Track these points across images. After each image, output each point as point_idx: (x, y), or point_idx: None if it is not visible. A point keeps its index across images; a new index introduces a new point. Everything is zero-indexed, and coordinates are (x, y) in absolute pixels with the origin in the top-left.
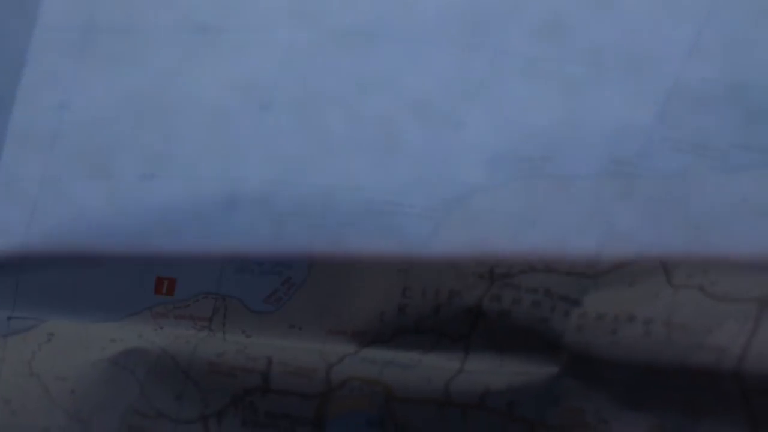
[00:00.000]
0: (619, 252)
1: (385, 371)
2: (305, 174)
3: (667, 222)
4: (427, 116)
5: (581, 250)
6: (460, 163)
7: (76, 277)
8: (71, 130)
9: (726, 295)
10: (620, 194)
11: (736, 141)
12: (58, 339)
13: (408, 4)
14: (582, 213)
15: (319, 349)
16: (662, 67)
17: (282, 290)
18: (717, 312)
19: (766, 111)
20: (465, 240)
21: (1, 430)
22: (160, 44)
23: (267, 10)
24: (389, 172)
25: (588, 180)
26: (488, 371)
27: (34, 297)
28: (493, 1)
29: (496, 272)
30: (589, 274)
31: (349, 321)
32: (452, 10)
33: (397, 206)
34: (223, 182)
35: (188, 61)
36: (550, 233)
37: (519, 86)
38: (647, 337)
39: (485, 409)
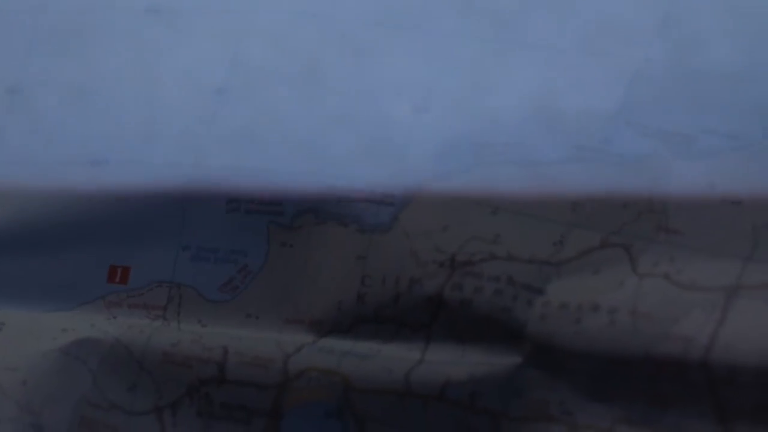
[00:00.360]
0: (583, 239)
1: (343, 361)
2: (261, 159)
3: (632, 209)
4: (386, 100)
5: (544, 238)
6: (420, 149)
7: (26, 266)
8: (20, 114)
9: (692, 283)
10: (584, 180)
11: (703, 126)
12: (8, 329)
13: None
14: (545, 199)
15: (276, 339)
16: (627, 51)
17: (238, 278)
18: (683, 301)
19: (734, 95)
20: (425, 227)
21: None
22: (113, 29)
23: None
24: (348, 156)
25: (551, 166)
26: (449, 362)
27: None
28: None
29: (457, 260)
30: (553, 262)
31: (306, 310)
32: None
33: (356, 192)
34: (178, 169)
35: (140, 44)
36: (512, 220)
37: (480, 71)
38: (612, 327)
39: (446, 401)
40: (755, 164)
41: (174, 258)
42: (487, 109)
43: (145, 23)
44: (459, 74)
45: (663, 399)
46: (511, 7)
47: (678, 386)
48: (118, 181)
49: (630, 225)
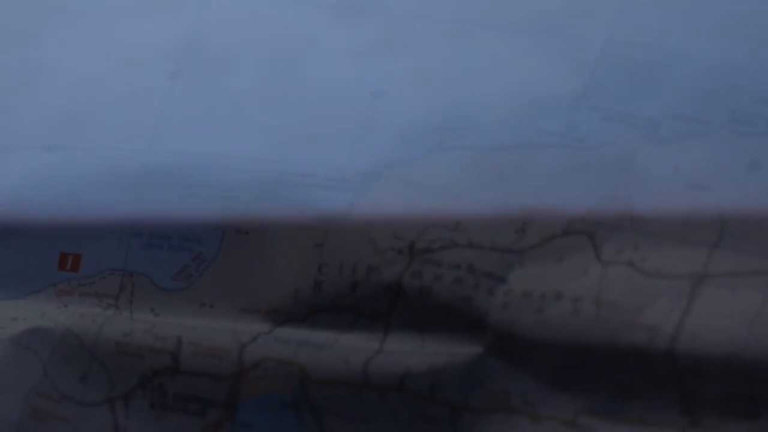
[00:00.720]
0: (546, 226)
1: (300, 351)
2: (216, 145)
3: (596, 194)
4: (345, 83)
5: (506, 225)
6: (379, 134)
7: None
8: None
9: (657, 271)
10: (546, 166)
11: (667, 110)
12: None
13: None
14: (506, 185)
15: (231, 329)
16: (590, 33)
17: (192, 266)
18: (648, 289)
19: (698, 79)
20: (383, 213)
21: None
22: (63, 10)
23: None
24: (304, 143)
25: (512, 151)
26: (409, 352)
27: None
28: None
29: (416, 247)
30: (515, 249)
31: (262, 299)
32: None
33: (312, 178)
34: (130, 153)
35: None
36: (473, 206)
37: (440, 54)
38: (575, 316)
39: (405, 392)
40: (721, 149)
41: (126, 245)
42: (447, 93)
43: (97, 6)
44: (418, 58)
45: (627, 389)
46: None
47: (643, 376)
48: (70, 167)
49: (593, 211)
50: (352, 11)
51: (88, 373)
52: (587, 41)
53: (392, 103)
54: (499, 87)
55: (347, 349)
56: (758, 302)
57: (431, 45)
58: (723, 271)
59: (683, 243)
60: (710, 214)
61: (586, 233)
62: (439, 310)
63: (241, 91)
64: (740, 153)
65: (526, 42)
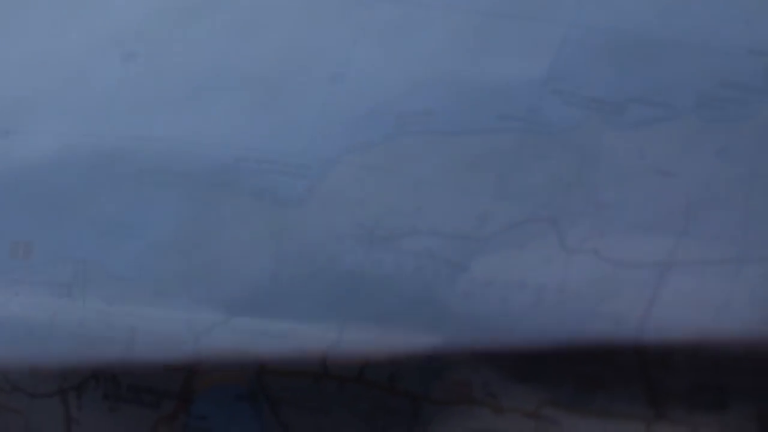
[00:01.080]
0: (509, 213)
1: (257, 342)
2: (170, 129)
3: (560, 181)
4: (302, 67)
5: (468, 212)
6: (337, 118)
7: None
8: None
9: (623, 259)
10: (509, 151)
11: (633, 94)
12: None
13: None
14: (467, 171)
15: (187, 318)
16: (553, 16)
17: (147, 254)
18: (614, 278)
19: (665, 62)
20: (342, 200)
21: None
22: None
23: None
24: (261, 128)
25: (474, 136)
26: (368, 342)
27: None
28: None
29: (376, 235)
30: (477, 237)
31: (218, 288)
32: None
33: (269, 164)
34: (82, 138)
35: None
36: (434, 193)
37: (399, 36)
38: (539, 305)
39: (364, 383)
40: (688, 135)
41: (80, 232)
42: (407, 77)
43: None
44: (378, 40)
45: (592, 381)
46: None
47: (608, 367)
48: (20, 152)
49: (557, 198)
50: None
51: (40, 364)
52: (550, 24)
53: (351, 86)
54: (461, 71)
55: (305, 339)
56: (727, 291)
57: (391, 27)
58: (691, 260)
59: (650, 230)
60: (677, 201)
61: (550, 220)
62: (399, 299)
63: (196, 75)
64: (708, 138)
65: (488, 25)
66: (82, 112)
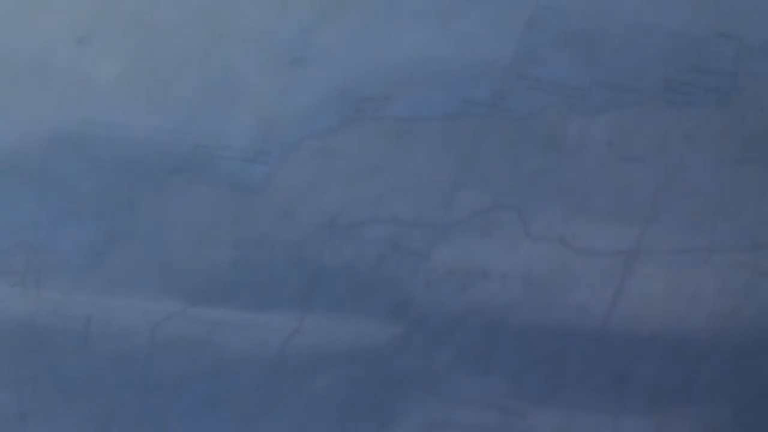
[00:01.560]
0: (472, 200)
1: (215, 332)
2: (127, 115)
3: (525, 167)
4: (261, 50)
5: (431, 199)
6: (296, 103)
7: None
8: None
9: (589, 247)
10: (472, 137)
11: (599, 79)
12: None
13: None
14: (431, 157)
15: (143, 308)
16: None
17: (102, 242)
18: (579, 266)
19: (631, 47)
20: (303, 187)
21: None
22: None
23: None
24: (219, 113)
25: (437, 122)
26: (328, 332)
27: None
28: None
29: (337, 222)
30: (439, 225)
31: (175, 276)
32: None
33: (227, 150)
34: (39, 125)
35: None
36: (395, 179)
37: (360, 21)
38: (503, 294)
39: (324, 373)
40: (656, 120)
41: (34, 220)
42: (368, 61)
43: None
44: (339, 23)
45: (557, 372)
46: None
47: (574, 358)
48: None
49: (522, 185)
50: None
51: None
52: (515, 6)
53: (311, 70)
54: (424, 54)
55: (264, 329)
56: (694, 280)
57: (352, 10)
58: (658, 248)
59: (616, 218)
60: (645, 188)
61: (514, 208)
62: (360, 288)
63: (152, 59)
64: (675, 124)
65: (452, 8)
66: (35, 97)
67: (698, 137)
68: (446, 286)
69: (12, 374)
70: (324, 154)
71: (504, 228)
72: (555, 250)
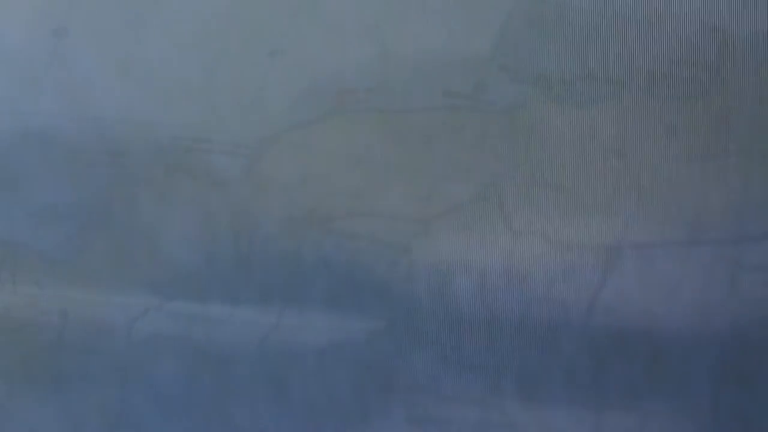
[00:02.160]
0: (453, 194)
1: (193, 326)
2: (103, 107)
3: (506, 160)
4: (240, 41)
5: (411, 192)
6: (275, 95)
7: None
8: None
9: (572, 242)
10: (453, 130)
11: (581, 71)
12: None
13: None
14: (411, 150)
15: (120, 303)
16: None
17: (79, 236)
18: (562, 261)
19: (615, 38)
20: (281, 180)
21: None
22: None
23: None
24: (197, 106)
25: (418, 114)
26: (307, 326)
27: None
28: None
29: (315, 216)
30: (420, 218)
31: (153, 271)
32: None
33: (205, 143)
34: (14, 117)
35: None
36: (375, 172)
37: (342, 12)
38: (484, 289)
39: (303, 367)
40: (638, 113)
41: (9, 214)
42: (349, 53)
43: None
44: (319, 15)
45: (538, 368)
46: None
47: (555, 354)
48: None
49: (504, 178)
50: None
51: None
52: None
53: (291, 62)
54: (405, 47)
55: (243, 323)
56: (677, 274)
57: (334, 2)
58: (641, 242)
59: (599, 212)
60: (627, 181)
61: (496, 201)
62: (340, 282)
63: (130, 52)
64: (659, 117)
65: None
66: (11, 90)
67: (681, 129)
68: (426, 281)
69: None
70: (303, 146)
71: (485, 222)
72: (537, 244)
